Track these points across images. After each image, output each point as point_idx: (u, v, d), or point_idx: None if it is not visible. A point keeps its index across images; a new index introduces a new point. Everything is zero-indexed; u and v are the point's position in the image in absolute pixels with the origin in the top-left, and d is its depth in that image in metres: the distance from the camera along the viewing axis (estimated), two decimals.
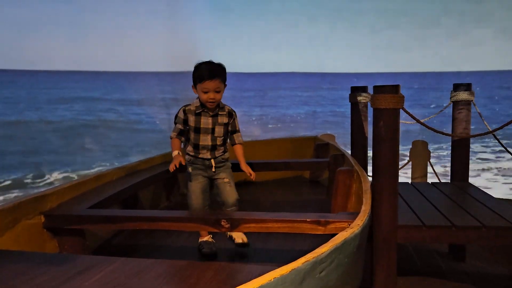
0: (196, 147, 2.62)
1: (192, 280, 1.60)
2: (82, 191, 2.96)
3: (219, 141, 2.64)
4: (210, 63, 2.53)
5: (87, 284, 1.58)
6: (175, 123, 2.64)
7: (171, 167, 2.51)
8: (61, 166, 12.36)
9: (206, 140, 2.60)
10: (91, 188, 3.06)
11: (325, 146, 4.64)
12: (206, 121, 2.59)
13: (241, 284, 1.17)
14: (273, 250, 2.80)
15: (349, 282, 1.87)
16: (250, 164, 4.27)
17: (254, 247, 2.77)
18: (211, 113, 2.58)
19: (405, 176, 6.94)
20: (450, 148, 3.83)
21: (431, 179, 4.85)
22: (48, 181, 10.95)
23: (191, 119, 2.58)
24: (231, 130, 2.70)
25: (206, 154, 2.62)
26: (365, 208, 2.14)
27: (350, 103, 4.16)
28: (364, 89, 4.12)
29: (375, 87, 2.70)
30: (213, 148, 2.63)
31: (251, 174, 2.65)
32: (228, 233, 2.70)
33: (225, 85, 2.58)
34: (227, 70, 2.61)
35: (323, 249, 1.45)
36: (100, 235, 3.05)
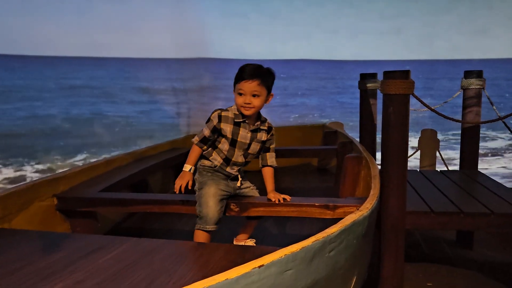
0: (227, 161, 2.23)
1: (203, 260, 1.63)
2: (92, 175, 3.00)
3: (250, 158, 2.30)
4: (254, 64, 2.16)
5: (101, 262, 1.61)
6: (205, 126, 2.21)
7: (176, 187, 2.15)
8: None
9: (239, 157, 2.24)
10: (102, 173, 3.10)
11: (333, 134, 4.64)
12: (244, 135, 2.21)
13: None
14: (281, 234, 2.83)
15: (357, 265, 1.88)
16: None
17: (262, 231, 2.80)
18: (252, 127, 2.22)
19: (413, 164, 6.94)
20: (460, 136, 3.81)
21: (439, 168, 4.84)
22: None
23: (228, 129, 2.17)
24: (265, 148, 2.33)
25: (234, 170, 2.27)
26: (374, 192, 2.15)
27: (359, 90, 4.15)
28: (373, 76, 4.10)
29: (385, 73, 2.69)
30: (244, 164, 2.31)
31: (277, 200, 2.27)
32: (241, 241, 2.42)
33: (269, 94, 2.19)
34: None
35: (333, 230, 1.47)
36: (111, 218, 3.10)
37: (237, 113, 2.18)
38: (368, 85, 4.03)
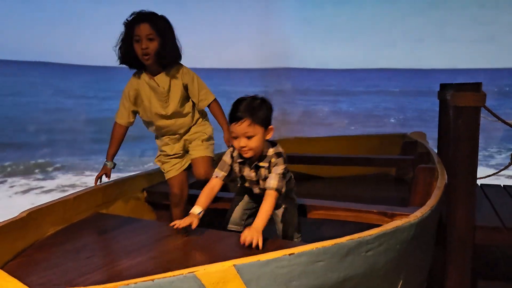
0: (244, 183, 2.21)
1: (258, 251, 1.84)
2: None
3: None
4: (241, 100, 1.94)
5: (172, 245, 1.92)
6: (220, 165, 2.11)
7: (176, 224, 1.96)
8: None
9: (254, 189, 2.19)
10: None
11: (412, 144, 4.56)
12: (249, 174, 2.11)
13: None
14: (327, 238, 2.93)
15: (403, 270, 1.95)
16: (331, 158, 4.40)
17: (308, 234, 2.92)
18: (251, 165, 2.07)
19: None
20: None
21: None
22: None
23: (236, 166, 2.13)
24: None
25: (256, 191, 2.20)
26: (430, 202, 2.18)
27: (438, 100, 4.06)
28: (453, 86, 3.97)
29: (456, 85, 2.69)
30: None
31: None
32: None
33: (267, 129, 1.96)
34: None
35: (371, 232, 1.59)
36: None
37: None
38: (448, 95, 3.92)
